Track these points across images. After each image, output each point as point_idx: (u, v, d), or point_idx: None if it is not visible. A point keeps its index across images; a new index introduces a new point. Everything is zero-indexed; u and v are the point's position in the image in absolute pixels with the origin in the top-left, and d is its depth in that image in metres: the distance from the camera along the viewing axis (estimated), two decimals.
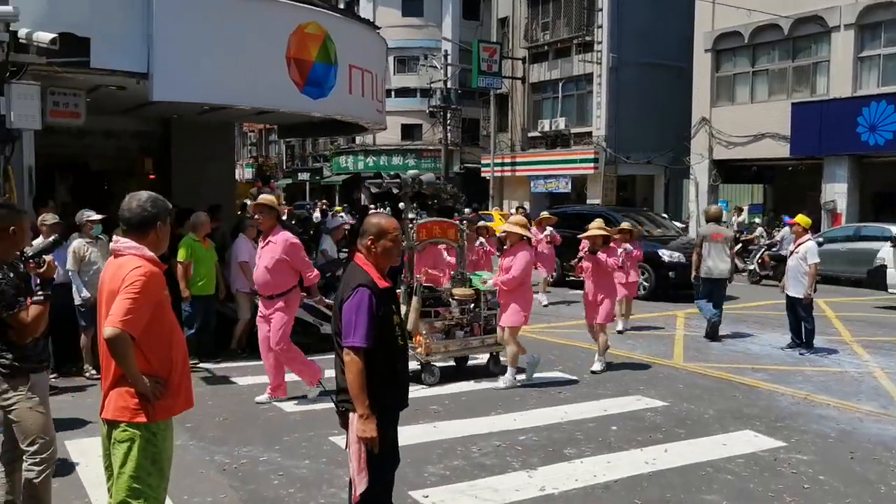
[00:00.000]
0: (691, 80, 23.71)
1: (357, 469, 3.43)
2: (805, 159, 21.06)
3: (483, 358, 8.25)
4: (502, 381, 7.63)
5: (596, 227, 8.59)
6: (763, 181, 24.09)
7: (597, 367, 8.29)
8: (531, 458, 5.53)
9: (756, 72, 22.32)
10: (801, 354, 9.23)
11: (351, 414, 3.44)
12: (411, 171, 8.22)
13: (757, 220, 21.57)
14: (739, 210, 22.01)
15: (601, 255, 8.29)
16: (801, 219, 9.61)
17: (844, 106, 19.64)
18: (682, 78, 25.28)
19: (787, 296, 9.48)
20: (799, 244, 9.35)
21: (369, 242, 3.50)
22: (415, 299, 7.53)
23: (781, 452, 5.70)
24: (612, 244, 8.77)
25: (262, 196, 7.13)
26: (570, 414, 6.67)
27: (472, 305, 7.93)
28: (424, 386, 7.48)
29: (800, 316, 9.38)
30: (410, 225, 7.88)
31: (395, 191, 8.48)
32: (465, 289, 7.98)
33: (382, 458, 3.49)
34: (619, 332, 10.59)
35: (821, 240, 16.96)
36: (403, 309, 7.48)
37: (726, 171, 23.43)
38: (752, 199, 23.99)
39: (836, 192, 20.26)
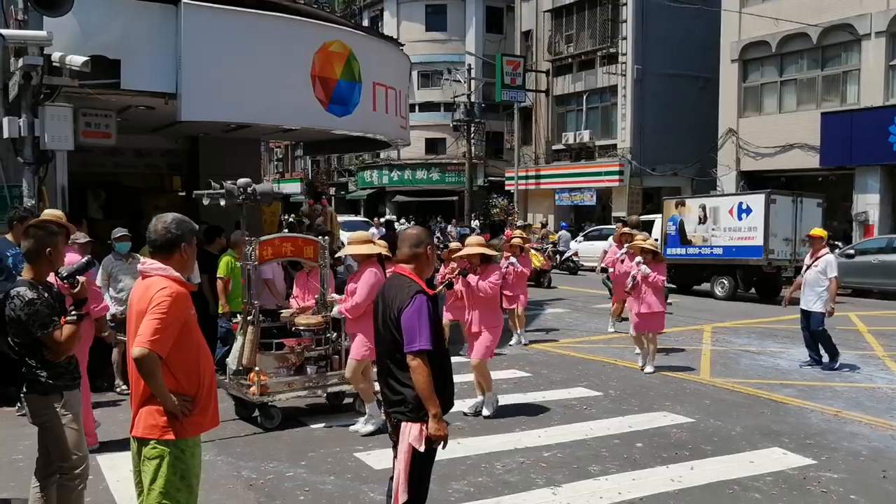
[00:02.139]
0: (717, 91, 23.55)
1: (405, 478, 3.56)
2: (835, 170, 20.78)
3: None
4: (361, 424, 6.51)
5: (475, 244, 7.35)
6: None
7: (486, 410, 7.02)
8: (555, 475, 5.51)
9: (784, 81, 22.12)
10: (824, 371, 9.07)
11: (403, 424, 3.59)
12: (242, 180, 7.02)
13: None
14: None
15: (472, 279, 6.97)
16: (818, 231, 9.39)
17: (876, 115, 19.37)
18: (707, 88, 25.14)
19: (802, 310, 9.22)
20: (817, 257, 9.06)
21: (428, 250, 3.78)
22: (250, 329, 6.60)
23: (811, 471, 5.61)
24: (491, 264, 7.22)
25: (46, 211, 6.31)
26: (595, 430, 6.63)
27: (335, 335, 7.01)
28: None
29: (812, 328, 9.13)
30: (250, 243, 6.82)
31: (222, 202, 7.04)
32: (310, 316, 6.96)
33: (428, 468, 3.67)
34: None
35: (852, 251, 16.73)
36: (239, 340, 6.73)
37: (754, 183, 23.16)
38: None
39: (868, 202, 19.95)
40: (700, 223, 16.71)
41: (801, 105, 21.65)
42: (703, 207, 16.68)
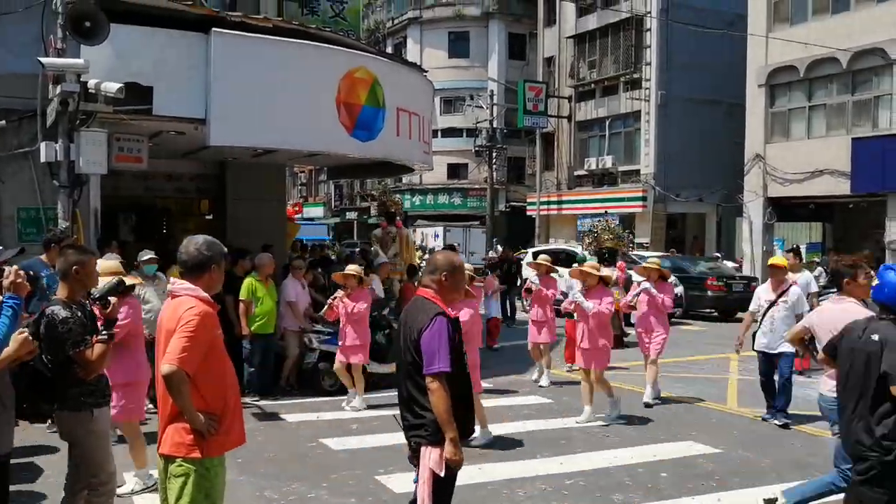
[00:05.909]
0: (743, 116, 23.41)
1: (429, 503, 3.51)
2: (867, 196, 20.48)
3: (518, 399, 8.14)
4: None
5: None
6: (821, 219, 23.47)
7: None
8: (578, 502, 5.45)
9: (813, 106, 21.89)
10: (779, 426, 7.66)
11: (423, 448, 3.55)
12: None
13: (816, 260, 21.00)
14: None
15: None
16: (779, 259, 8.15)
17: None
18: (733, 113, 24.99)
19: (765, 353, 7.73)
20: (783, 290, 7.68)
21: (443, 277, 3.70)
22: None
23: None
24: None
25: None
26: (619, 458, 6.54)
27: None
28: None
29: (782, 373, 7.71)
30: None
31: None
32: None
33: (449, 492, 3.62)
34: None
35: None
36: None
37: (782, 209, 22.91)
38: (810, 238, 23.37)
39: None
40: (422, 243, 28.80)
41: (830, 130, 21.41)
42: (422, 233, 29.10)
